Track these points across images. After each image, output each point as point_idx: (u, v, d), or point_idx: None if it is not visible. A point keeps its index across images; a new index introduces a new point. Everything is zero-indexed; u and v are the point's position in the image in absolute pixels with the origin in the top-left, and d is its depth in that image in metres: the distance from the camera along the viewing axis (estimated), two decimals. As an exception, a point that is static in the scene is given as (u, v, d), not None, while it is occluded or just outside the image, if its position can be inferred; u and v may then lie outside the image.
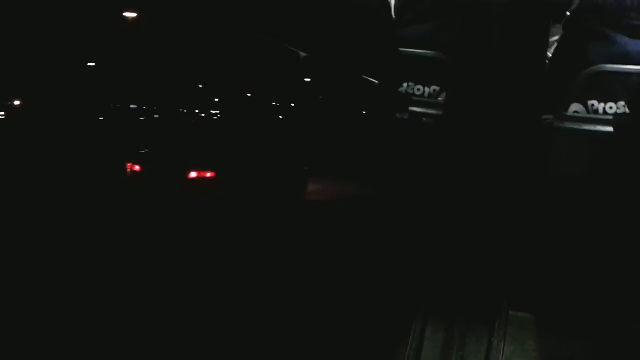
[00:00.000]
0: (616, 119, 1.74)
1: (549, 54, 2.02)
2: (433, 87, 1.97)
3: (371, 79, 2.07)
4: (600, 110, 1.82)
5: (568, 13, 1.91)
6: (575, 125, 1.79)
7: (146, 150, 7.89)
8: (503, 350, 1.52)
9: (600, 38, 1.83)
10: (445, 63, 1.89)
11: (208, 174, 7.07)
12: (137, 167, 7.32)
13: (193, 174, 7.04)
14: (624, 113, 1.76)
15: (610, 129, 1.74)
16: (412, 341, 1.51)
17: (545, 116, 1.85)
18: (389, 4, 2.03)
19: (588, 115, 1.81)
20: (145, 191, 7.12)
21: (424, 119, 1.93)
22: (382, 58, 1.97)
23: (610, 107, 1.83)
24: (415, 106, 1.94)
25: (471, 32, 1.70)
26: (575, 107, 1.85)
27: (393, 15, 2.02)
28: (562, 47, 1.97)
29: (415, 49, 1.93)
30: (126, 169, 7.37)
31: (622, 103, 1.82)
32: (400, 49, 1.94)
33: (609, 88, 1.82)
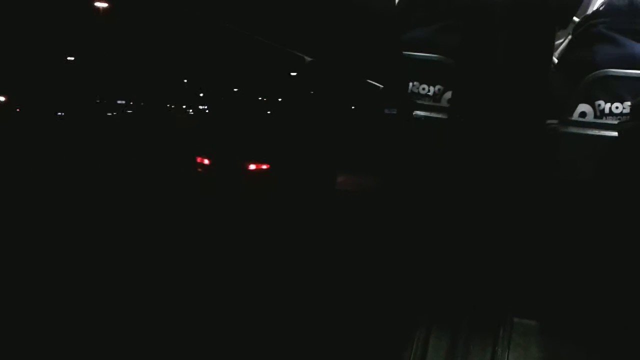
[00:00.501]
0: (621, 124, 1.74)
1: (555, 59, 2.01)
2: (438, 86, 1.97)
3: (376, 83, 2.07)
4: (607, 111, 1.82)
5: (576, 19, 1.90)
6: (580, 130, 1.79)
7: (214, 146, 9.32)
8: (507, 357, 1.53)
9: (608, 42, 1.82)
10: (449, 66, 1.89)
11: (264, 166, 8.49)
12: (206, 161, 8.73)
13: (252, 166, 8.48)
14: (629, 120, 1.75)
15: (615, 134, 1.74)
16: (416, 349, 1.53)
17: (549, 121, 1.84)
18: (392, 8, 2.02)
19: (593, 120, 1.80)
20: (214, 180, 8.53)
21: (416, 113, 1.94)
22: (387, 62, 1.96)
23: (617, 107, 1.82)
24: (417, 109, 1.95)
25: (476, 37, 1.69)
26: (582, 107, 1.84)
27: (396, 19, 2.02)
28: (569, 51, 1.95)
29: (418, 52, 1.94)
30: (197, 162, 8.83)
31: (628, 103, 1.82)
32: (405, 52, 1.94)
33: (616, 90, 1.81)
